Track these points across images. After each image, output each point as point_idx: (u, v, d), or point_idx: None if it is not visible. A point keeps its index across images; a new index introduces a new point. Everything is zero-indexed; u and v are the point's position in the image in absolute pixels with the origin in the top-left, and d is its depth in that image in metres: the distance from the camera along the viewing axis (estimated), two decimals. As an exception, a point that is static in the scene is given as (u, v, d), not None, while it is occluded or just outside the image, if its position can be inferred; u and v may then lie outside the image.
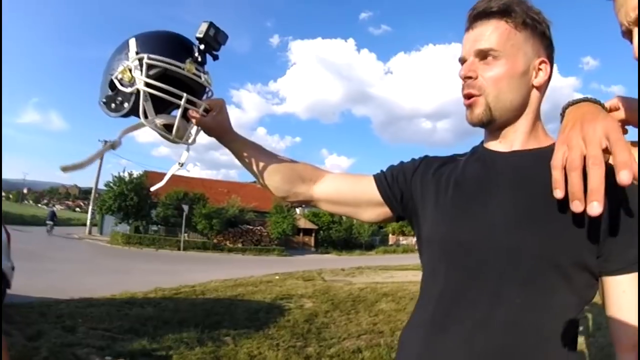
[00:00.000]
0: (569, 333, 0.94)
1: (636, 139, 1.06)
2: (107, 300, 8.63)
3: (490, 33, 1.05)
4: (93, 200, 42.07)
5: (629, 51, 0.87)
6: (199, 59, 1.25)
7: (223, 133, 1.37)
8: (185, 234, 33.01)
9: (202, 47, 1.25)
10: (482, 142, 1.18)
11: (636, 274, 0.90)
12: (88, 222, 40.57)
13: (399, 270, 18.47)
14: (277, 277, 14.57)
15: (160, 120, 1.22)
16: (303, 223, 41.19)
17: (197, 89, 1.27)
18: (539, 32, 1.07)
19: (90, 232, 38.80)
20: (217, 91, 1.33)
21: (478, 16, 1.08)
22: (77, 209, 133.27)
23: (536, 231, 0.94)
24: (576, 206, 0.80)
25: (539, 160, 0.95)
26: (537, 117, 1.10)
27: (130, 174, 35.46)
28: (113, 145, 1.26)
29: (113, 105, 1.23)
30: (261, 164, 1.37)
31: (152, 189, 1.55)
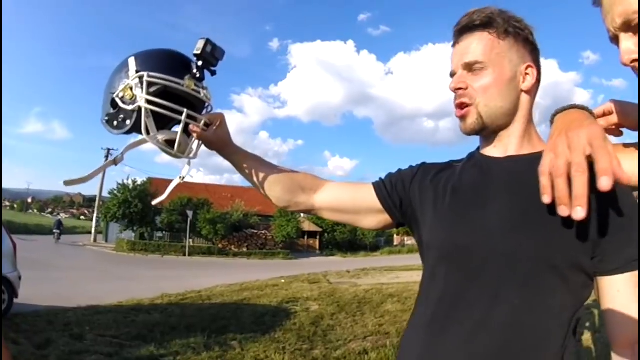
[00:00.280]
0: (566, 333, 0.96)
1: (630, 141, 1.09)
2: (114, 308, 8.67)
3: (475, 45, 1.10)
4: (97, 208, 42.15)
5: None
6: (198, 75, 1.27)
7: (224, 146, 1.39)
8: (190, 240, 32.95)
9: (200, 63, 1.28)
10: (478, 148, 1.22)
11: (630, 274, 0.93)
12: (93, 230, 40.68)
13: (405, 271, 18.41)
14: (282, 281, 14.57)
15: (162, 136, 1.25)
16: (307, 226, 41.14)
17: (196, 104, 1.30)
18: (522, 38, 1.10)
19: (95, 240, 38.86)
20: (218, 96, 1.34)
21: (462, 30, 1.13)
22: (82, 217, 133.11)
23: (532, 234, 0.97)
24: (562, 211, 0.83)
25: (533, 164, 0.96)
26: (529, 120, 1.13)
27: (134, 181, 35.49)
28: (115, 161, 1.30)
29: (115, 122, 1.26)
30: (262, 175, 1.39)
31: (154, 202, 1.58)
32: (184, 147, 1.27)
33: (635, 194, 0.99)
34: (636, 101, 0.99)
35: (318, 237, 43.13)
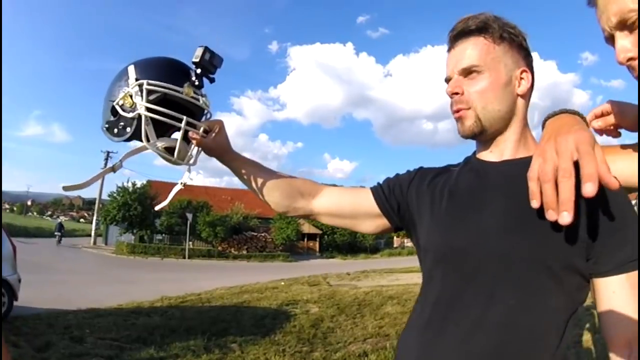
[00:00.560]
0: (562, 334, 0.97)
1: (630, 141, 1.10)
2: (114, 310, 8.67)
3: (471, 50, 1.11)
4: (97, 211, 42.16)
5: None
6: (196, 83, 1.28)
7: (223, 153, 1.41)
8: (190, 242, 32.97)
9: (198, 71, 1.29)
10: (474, 153, 1.23)
11: (625, 275, 0.94)
12: (93, 233, 40.67)
13: (404, 273, 18.38)
14: (282, 283, 14.57)
15: (161, 144, 1.26)
16: (307, 228, 41.05)
17: (195, 111, 1.32)
18: (517, 44, 1.12)
19: (95, 243, 38.84)
20: (217, 99, 1.36)
21: (458, 36, 1.14)
22: (82, 220, 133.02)
23: (526, 236, 0.98)
24: (550, 215, 0.85)
25: (528, 168, 0.97)
26: (524, 124, 1.15)
27: (134, 184, 35.47)
28: (114, 168, 1.32)
29: (116, 130, 1.27)
30: (260, 181, 1.40)
31: (157, 207, 1.59)
32: (183, 154, 1.29)
33: (634, 194, 1.00)
34: (634, 101, 1.00)
35: (318, 239, 43.08)
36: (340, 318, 8.22)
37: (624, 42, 0.86)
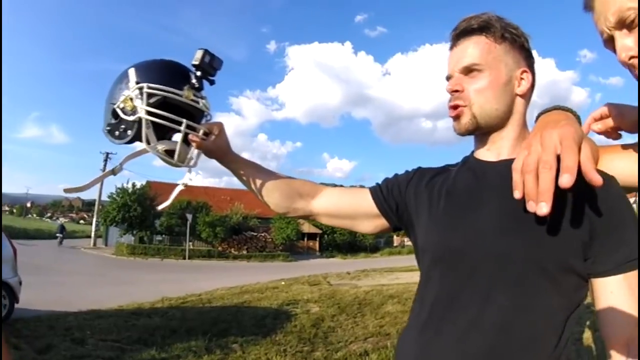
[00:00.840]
0: (560, 334, 0.98)
1: (631, 141, 1.11)
2: (115, 312, 8.68)
3: (472, 49, 1.12)
4: (97, 212, 42.17)
5: None
6: (196, 85, 1.29)
7: (223, 155, 1.41)
8: (190, 243, 32.98)
9: (198, 73, 1.30)
10: (472, 152, 1.24)
11: (623, 275, 0.95)
12: (92, 234, 40.67)
13: (405, 272, 18.40)
14: (282, 283, 14.58)
15: (162, 146, 1.27)
16: (307, 228, 41.09)
17: (196, 114, 1.32)
18: (518, 44, 1.13)
19: (95, 244, 38.85)
20: (216, 99, 1.36)
21: (460, 35, 1.15)
22: (81, 221, 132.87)
23: (523, 237, 0.98)
24: (530, 206, 0.86)
25: None
26: (523, 124, 1.16)
27: (134, 185, 35.44)
28: (114, 172, 1.33)
29: (117, 133, 1.28)
30: (260, 182, 1.41)
31: (159, 208, 1.61)
32: (183, 157, 1.29)
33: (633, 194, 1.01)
34: (633, 100, 1.00)
35: (318, 238, 43.15)
36: (341, 317, 8.23)
37: (625, 40, 0.86)
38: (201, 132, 1.31)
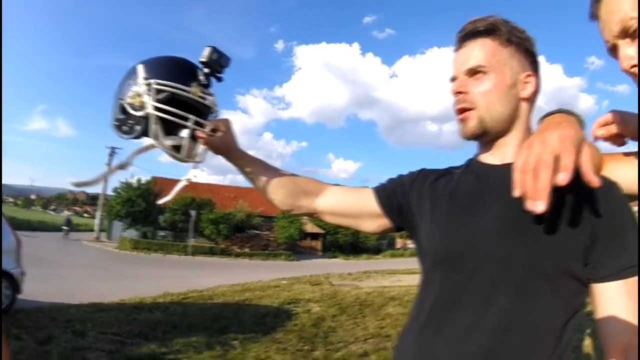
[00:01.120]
0: (559, 338, 0.98)
1: (631, 150, 1.11)
2: (116, 305, 8.70)
3: (477, 51, 1.12)
4: (101, 206, 42.25)
5: None
6: (204, 82, 1.30)
7: (229, 152, 1.42)
8: (193, 239, 33.01)
9: (206, 70, 1.31)
10: (475, 155, 1.24)
11: (623, 281, 0.95)
12: (96, 228, 40.71)
13: (406, 274, 18.35)
14: (284, 282, 14.58)
15: (169, 142, 1.28)
16: (310, 227, 41.02)
17: (203, 111, 1.33)
18: (524, 48, 1.13)
19: (98, 238, 38.91)
20: (222, 97, 1.37)
21: (465, 37, 1.16)
22: (85, 215, 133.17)
23: (524, 240, 0.99)
24: (528, 205, 0.86)
25: None
26: (528, 129, 1.15)
27: (138, 180, 35.60)
28: (122, 166, 1.33)
29: (125, 128, 1.29)
30: (266, 179, 1.42)
31: (160, 202, 1.61)
32: (190, 152, 1.30)
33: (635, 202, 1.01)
34: (636, 107, 1.00)
35: (320, 239, 43.10)
36: (342, 318, 8.24)
37: (628, 50, 0.87)
38: (208, 128, 1.32)
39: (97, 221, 42.04)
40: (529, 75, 1.13)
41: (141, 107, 1.25)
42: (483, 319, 0.99)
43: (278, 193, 1.42)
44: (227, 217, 35.58)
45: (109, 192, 38.38)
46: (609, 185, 0.98)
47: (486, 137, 1.14)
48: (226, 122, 1.40)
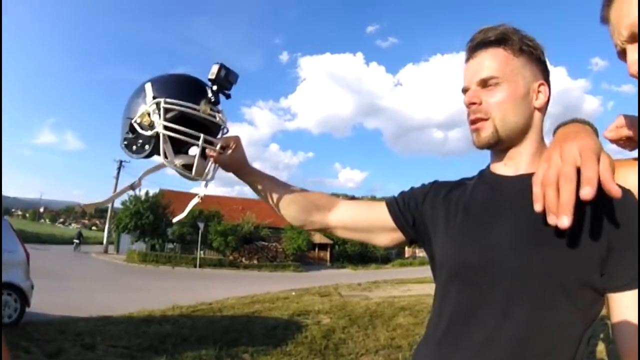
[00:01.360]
0: (576, 349, 0.97)
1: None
2: (126, 318, 8.72)
3: (490, 61, 1.12)
4: (109, 219, 42.45)
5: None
6: (213, 99, 1.30)
7: (239, 168, 1.43)
8: (201, 252, 33.09)
9: (214, 87, 1.31)
10: (488, 166, 1.23)
11: (637, 290, 0.94)
12: (105, 241, 40.90)
13: (416, 284, 18.35)
14: (293, 293, 14.56)
15: (179, 161, 1.28)
16: (318, 238, 40.95)
17: (212, 128, 1.33)
18: (535, 57, 1.13)
19: (106, 251, 39.06)
20: (228, 109, 1.38)
21: (477, 47, 1.15)
22: (93, 228, 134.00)
23: (540, 252, 0.98)
24: (551, 219, 0.85)
25: None
26: (541, 139, 1.15)
27: (147, 193, 35.72)
28: (133, 186, 1.34)
29: (134, 147, 1.29)
30: (277, 196, 1.42)
31: (174, 220, 1.62)
32: (201, 171, 1.31)
33: None
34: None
35: (329, 249, 43.02)
36: (352, 329, 8.21)
37: (635, 55, 0.88)
38: (218, 146, 1.33)
39: (105, 234, 42.24)
40: (541, 85, 1.12)
41: (150, 126, 1.25)
42: (500, 332, 0.98)
43: (290, 209, 1.42)
44: (235, 229, 35.61)
45: (117, 205, 38.64)
46: (624, 194, 0.96)
47: (499, 146, 1.14)
48: (235, 139, 1.40)
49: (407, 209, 1.29)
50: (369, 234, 1.39)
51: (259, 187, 1.44)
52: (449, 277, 1.12)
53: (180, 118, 1.24)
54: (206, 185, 1.36)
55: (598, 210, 0.95)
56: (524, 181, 1.06)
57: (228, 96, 1.35)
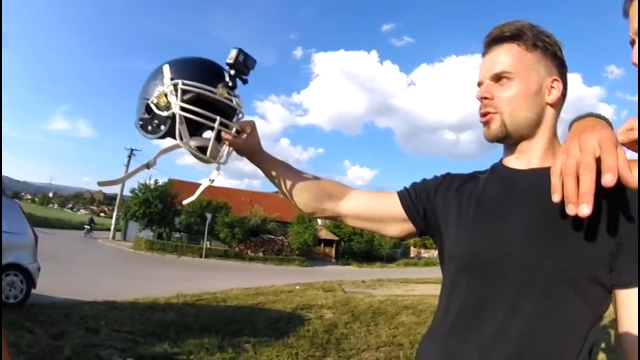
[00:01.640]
0: (582, 345, 0.98)
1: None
2: (130, 304, 8.76)
3: (504, 57, 1.13)
4: (118, 206, 42.63)
5: None
6: (230, 84, 1.30)
7: (254, 153, 1.42)
8: (208, 242, 33.18)
9: (232, 72, 1.31)
10: (501, 160, 1.23)
11: None
12: (112, 227, 41.08)
13: (420, 284, 18.35)
14: (297, 287, 14.58)
15: (194, 143, 1.28)
16: (324, 234, 41.01)
17: (228, 112, 1.33)
18: (550, 53, 1.13)
19: (114, 237, 39.25)
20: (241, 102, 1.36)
21: (492, 42, 1.16)
22: (102, 214, 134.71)
23: (551, 247, 0.99)
24: (570, 209, 0.84)
25: None
26: (553, 134, 1.15)
27: (156, 182, 35.85)
28: (148, 165, 1.34)
29: (150, 127, 1.30)
30: (290, 182, 1.42)
31: (185, 202, 1.62)
32: (215, 153, 1.31)
33: None
34: None
35: (334, 245, 42.98)
36: (354, 325, 8.21)
37: None
38: (234, 129, 1.33)
39: (113, 221, 42.41)
40: (554, 80, 1.13)
41: (167, 107, 1.25)
42: (509, 325, 0.99)
43: (302, 196, 1.41)
44: (242, 221, 35.63)
45: (127, 192, 38.74)
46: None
47: (510, 140, 1.15)
48: (251, 124, 1.40)
49: (419, 200, 1.29)
50: (380, 224, 1.39)
51: (273, 173, 1.44)
52: (458, 269, 1.13)
53: (197, 100, 1.24)
54: (218, 169, 1.35)
55: (609, 206, 0.95)
56: (537, 175, 1.08)
57: (245, 81, 1.35)
